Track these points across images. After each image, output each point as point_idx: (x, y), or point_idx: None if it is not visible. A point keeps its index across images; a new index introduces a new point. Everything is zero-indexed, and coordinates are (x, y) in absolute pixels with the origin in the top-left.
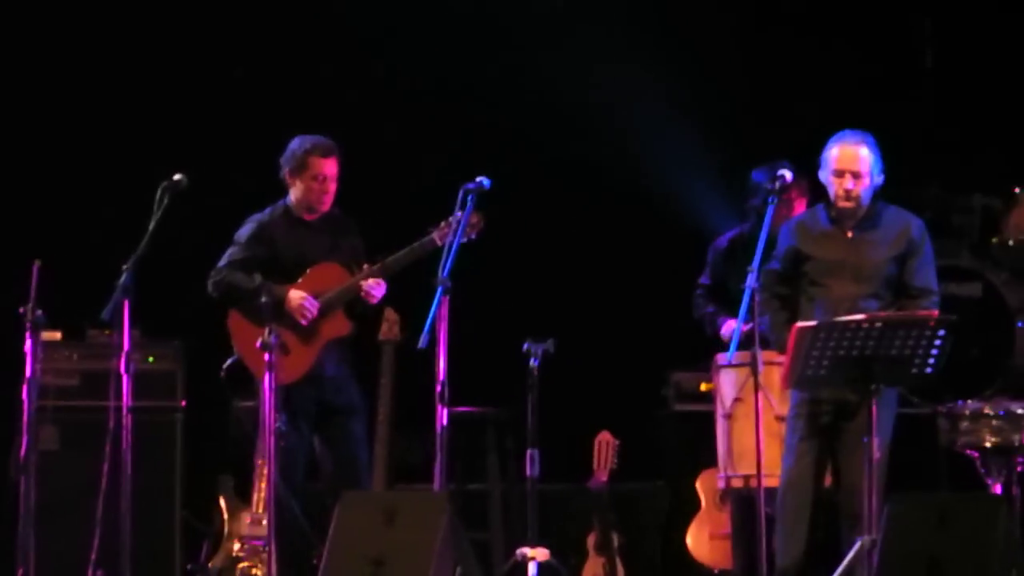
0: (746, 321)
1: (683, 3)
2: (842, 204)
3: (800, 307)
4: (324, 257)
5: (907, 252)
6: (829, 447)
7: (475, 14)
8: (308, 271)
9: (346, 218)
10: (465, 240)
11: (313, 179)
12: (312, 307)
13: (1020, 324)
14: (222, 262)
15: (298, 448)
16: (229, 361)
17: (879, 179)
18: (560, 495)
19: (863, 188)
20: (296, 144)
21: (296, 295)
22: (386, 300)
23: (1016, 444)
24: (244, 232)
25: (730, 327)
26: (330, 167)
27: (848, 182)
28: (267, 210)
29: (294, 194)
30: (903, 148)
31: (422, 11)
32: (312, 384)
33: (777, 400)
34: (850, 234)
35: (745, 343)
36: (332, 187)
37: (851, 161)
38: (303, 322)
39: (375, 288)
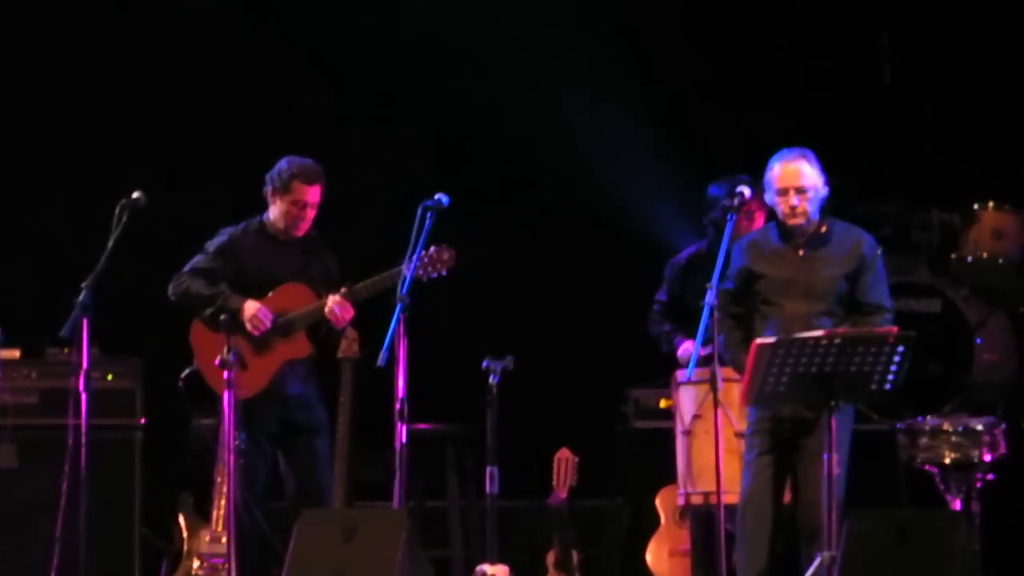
0: (705, 337)
1: (640, 20)
2: (791, 222)
3: (754, 326)
4: (293, 277)
5: (858, 269)
6: (788, 463)
7: (432, 36)
8: (275, 289)
9: (323, 240)
10: (436, 275)
11: (293, 204)
12: (265, 318)
13: (979, 340)
14: (186, 267)
15: (258, 464)
16: (186, 371)
17: (824, 191)
18: (520, 512)
19: (808, 203)
20: (284, 165)
21: (251, 305)
22: None
23: (975, 460)
24: (214, 243)
25: (686, 348)
26: (312, 195)
27: (793, 199)
28: (242, 224)
29: (272, 212)
30: (861, 164)
31: (380, 31)
32: (273, 402)
33: (736, 417)
34: (801, 252)
35: (705, 360)
36: (310, 214)
37: (793, 177)
38: (254, 332)
39: (341, 309)
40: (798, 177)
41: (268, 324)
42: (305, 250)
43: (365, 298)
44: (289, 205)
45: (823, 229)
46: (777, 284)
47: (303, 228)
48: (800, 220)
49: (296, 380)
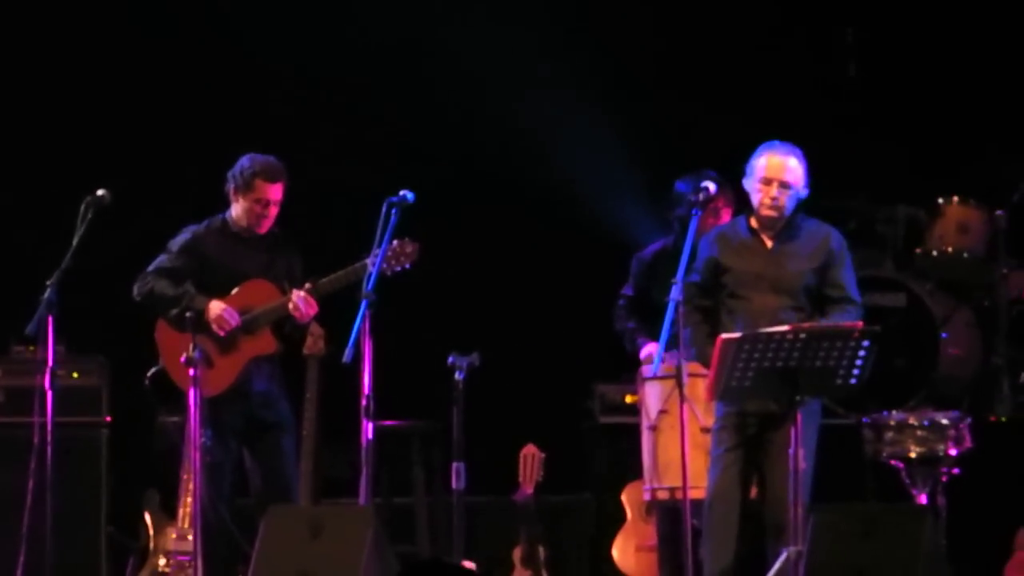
0: (670, 333)
1: (607, 16)
2: (766, 212)
3: (721, 320)
4: (257, 274)
5: (827, 263)
6: (754, 458)
7: (399, 34)
8: (239, 287)
9: (286, 236)
10: (399, 268)
11: (256, 202)
12: (231, 318)
13: (944, 335)
14: (150, 267)
15: (224, 461)
16: (153, 369)
17: (804, 192)
18: (486, 508)
19: (788, 198)
20: (247, 163)
21: (216, 305)
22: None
23: (941, 454)
24: (177, 241)
25: (648, 352)
26: (275, 192)
27: (775, 190)
28: (205, 222)
29: (235, 210)
30: (827, 158)
31: (349, 28)
32: (239, 399)
33: (702, 412)
34: (770, 245)
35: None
36: (273, 212)
37: (779, 170)
38: (220, 332)
39: (305, 304)
40: (784, 171)
41: (234, 323)
42: (269, 246)
43: (330, 293)
44: (252, 203)
45: (792, 224)
46: (745, 277)
47: (266, 226)
48: (774, 213)
49: (261, 377)
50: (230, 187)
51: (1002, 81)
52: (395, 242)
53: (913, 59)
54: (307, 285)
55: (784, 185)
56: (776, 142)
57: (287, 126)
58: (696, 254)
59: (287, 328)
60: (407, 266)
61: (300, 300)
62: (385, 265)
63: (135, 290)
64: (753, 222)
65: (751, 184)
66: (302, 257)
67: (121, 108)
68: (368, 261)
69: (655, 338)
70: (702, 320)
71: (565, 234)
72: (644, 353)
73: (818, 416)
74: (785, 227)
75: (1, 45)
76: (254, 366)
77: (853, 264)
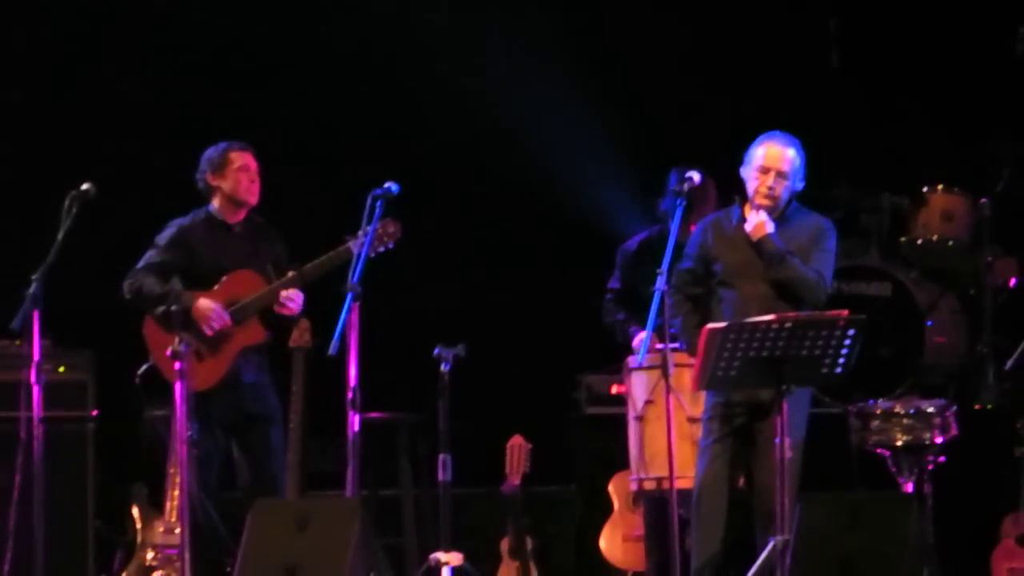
0: (656, 324)
1: (591, 6)
2: (760, 201)
3: (711, 308)
4: (243, 264)
5: (811, 247)
6: (742, 448)
7: (387, 23)
8: (224, 278)
9: (269, 225)
10: (383, 249)
11: (239, 171)
12: (219, 319)
13: (930, 323)
14: (139, 264)
15: (212, 455)
16: (144, 367)
17: (800, 185)
18: (473, 500)
19: (784, 189)
20: (211, 149)
21: (205, 304)
22: None
23: (927, 442)
24: (164, 236)
25: (641, 339)
26: (250, 159)
27: (771, 179)
28: (189, 215)
29: (220, 195)
30: (811, 148)
31: (335, 20)
32: (229, 391)
33: (688, 402)
34: None
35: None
36: (256, 179)
37: (777, 160)
38: (207, 332)
39: (292, 300)
40: (782, 161)
41: (222, 323)
42: (254, 236)
43: (315, 278)
44: (236, 174)
45: (786, 214)
46: (735, 266)
47: (255, 192)
48: (769, 203)
49: (251, 368)
50: (206, 177)
51: (985, 69)
52: (373, 225)
53: (896, 48)
54: (291, 273)
55: (781, 175)
56: (776, 132)
57: (270, 118)
58: (687, 242)
59: (270, 316)
60: (390, 246)
61: (286, 295)
62: (368, 248)
63: (125, 287)
64: (747, 211)
65: (748, 172)
66: (286, 245)
67: (106, 100)
68: (351, 245)
69: (645, 326)
70: (692, 309)
71: (550, 225)
72: (637, 340)
73: (807, 405)
74: (779, 217)
75: None
76: (243, 357)
77: (838, 254)
